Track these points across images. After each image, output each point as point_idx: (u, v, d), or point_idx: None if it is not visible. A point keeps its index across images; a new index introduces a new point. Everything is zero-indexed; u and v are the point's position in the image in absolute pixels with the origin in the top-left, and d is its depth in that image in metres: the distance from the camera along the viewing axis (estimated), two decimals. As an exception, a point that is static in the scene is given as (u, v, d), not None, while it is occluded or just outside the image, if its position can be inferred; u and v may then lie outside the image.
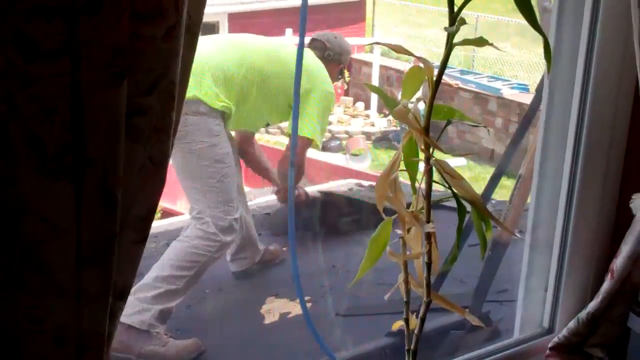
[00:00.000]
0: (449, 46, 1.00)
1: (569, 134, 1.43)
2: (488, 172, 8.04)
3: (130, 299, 2.53)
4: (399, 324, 1.19)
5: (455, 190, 1.06)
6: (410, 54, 1.02)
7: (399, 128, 9.08)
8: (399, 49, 1.01)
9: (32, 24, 0.63)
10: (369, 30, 11.12)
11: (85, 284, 0.71)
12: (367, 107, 9.90)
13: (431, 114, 1.03)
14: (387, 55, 9.75)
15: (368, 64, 9.72)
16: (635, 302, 1.44)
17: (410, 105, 1.05)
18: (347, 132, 9.13)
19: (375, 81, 9.29)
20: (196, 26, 0.76)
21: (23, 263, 0.68)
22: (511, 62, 10.35)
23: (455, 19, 0.99)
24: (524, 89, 9.33)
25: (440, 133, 1.13)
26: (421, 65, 1.03)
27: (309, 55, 3.00)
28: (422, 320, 1.13)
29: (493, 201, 3.59)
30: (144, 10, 0.68)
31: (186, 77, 0.76)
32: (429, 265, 1.09)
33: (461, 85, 8.98)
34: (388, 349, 2.60)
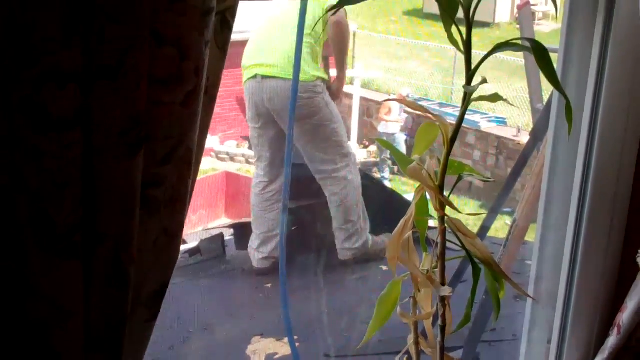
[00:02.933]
0: (467, 103, 0.97)
1: (574, 185, 1.40)
2: (466, 203, 8.07)
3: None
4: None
5: (468, 250, 1.03)
6: (426, 111, 0.98)
7: (378, 159, 9.09)
8: (414, 106, 0.98)
9: (42, 91, 0.58)
10: (350, 62, 11.17)
11: (93, 369, 0.65)
12: (348, 137, 9.89)
13: (446, 171, 1.00)
14: (367, 87, 9.79)
15: (349, 96, 9.75)
16: (642, 357, 1.40)
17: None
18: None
19: (355, 112, 9.33)
20: (214, 88, 0.72)
21: (28, 347, 0.62)
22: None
23: (472, 77, 0.96)
24: (502, 122, 9.43)
25: (452, 189, 1.10)
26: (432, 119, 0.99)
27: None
28: (435, 385, 1.08)
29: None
30: (164, 75, 0.63)
31: (203, 141, 0.72)
32: (442, 328, 1.04)
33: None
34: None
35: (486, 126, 8.90)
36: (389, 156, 8.80)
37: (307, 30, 3.28)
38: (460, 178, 1.08)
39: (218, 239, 3.96)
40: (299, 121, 3.32)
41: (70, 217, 0.61)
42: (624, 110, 1.34)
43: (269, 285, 3.54)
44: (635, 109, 1.32)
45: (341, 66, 3.60)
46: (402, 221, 1.02)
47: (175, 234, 0.69)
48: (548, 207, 1.46)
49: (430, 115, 1.03)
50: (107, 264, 0.63)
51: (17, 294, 0.61)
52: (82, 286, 0.62)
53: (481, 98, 0.99)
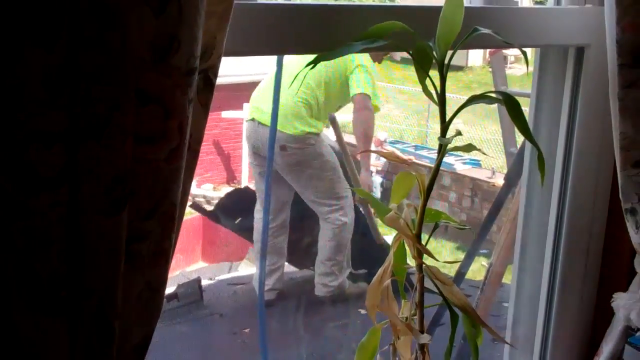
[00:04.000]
0: (442, 154, 0.99)
1: (548, 230, 1.43)
2: (443, 245, 8.11)
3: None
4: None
5: (446, 296, 1.04)
6: (403, 161, 1.01)
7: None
8: (392, 157, 1.00)
9: (30, 151, 0.59)
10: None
11: None
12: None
13: (423, 220, 1.02)
14: (343, 130, 9.86)
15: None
16: (620, 401, 1.41)
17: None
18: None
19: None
20: (197, 144, 0.73)
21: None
22: (463, 139, 10.56)
23: (446, 129, 0.99)
24: (476, 164, 9.54)
25: (429, 236, 1.11)
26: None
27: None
28: None
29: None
30: (148, 133, 0.65)
31: (185, 196, 0.73)
32: (422, 376, 1.05)
33: (415, 160, 9.12)
34: None
35: (461, 168, 8.99)
36: (366, 199, 8.84)
37: (307, 90, 3.50)
38: (437, 226, 1.10)
39: (195, 284, 3.94)
40: (291, 167, 3.56)
41: (56, 273, 0.61)
42: (595, 155, 1.37)
43: (247, 330, 3.51)
44: (606, 154, 1.35)
45: (366, 165, 3.96)
46: (380, 269, 1.04)
47: (158, 288, 0.70)
48: (523, 252, 1.49)
49: (406, 165, 1.06)
50: (92, 318, 0.64)
51: (4, 351, 0.61)
52: (67, 341, 0.63)
53: (456, 148, 1.02)
